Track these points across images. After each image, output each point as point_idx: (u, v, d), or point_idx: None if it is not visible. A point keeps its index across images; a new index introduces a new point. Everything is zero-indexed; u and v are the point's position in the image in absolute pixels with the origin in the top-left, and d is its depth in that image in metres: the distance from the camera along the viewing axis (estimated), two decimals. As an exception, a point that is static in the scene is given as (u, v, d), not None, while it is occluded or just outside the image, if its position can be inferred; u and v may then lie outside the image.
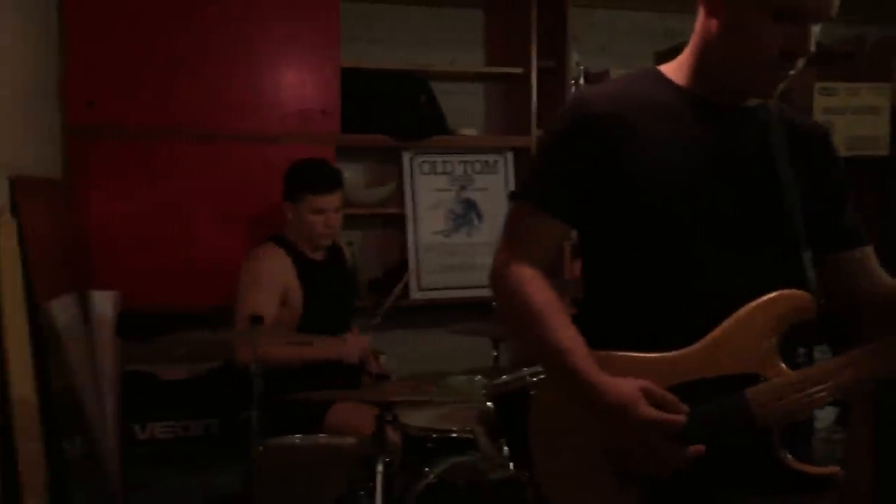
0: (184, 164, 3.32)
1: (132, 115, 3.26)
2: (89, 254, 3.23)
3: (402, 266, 3.73)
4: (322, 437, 2.50)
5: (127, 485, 3.14)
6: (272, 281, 2.85)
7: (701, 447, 1.25)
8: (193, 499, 3.21)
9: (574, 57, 3.76)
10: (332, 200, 2.95)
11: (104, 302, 3.17)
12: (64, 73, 3.16)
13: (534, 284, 1.40)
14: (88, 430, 2.91)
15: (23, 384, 2.24)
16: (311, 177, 2.97)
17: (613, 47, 3.99)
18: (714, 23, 1.36)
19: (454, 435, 2.68)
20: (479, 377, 3.44)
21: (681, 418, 1.26)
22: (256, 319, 2.20)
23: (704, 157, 1.37)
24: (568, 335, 1.35)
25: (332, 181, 2.98)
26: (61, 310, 2.79)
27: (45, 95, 2.92)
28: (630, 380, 1.29)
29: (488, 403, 2.72)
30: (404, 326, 3.77)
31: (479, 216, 3.78)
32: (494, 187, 3.81)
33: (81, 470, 2.75)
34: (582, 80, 3.83)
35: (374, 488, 2.21)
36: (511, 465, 2.50)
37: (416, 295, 3.68)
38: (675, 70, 1.45)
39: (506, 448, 2.64)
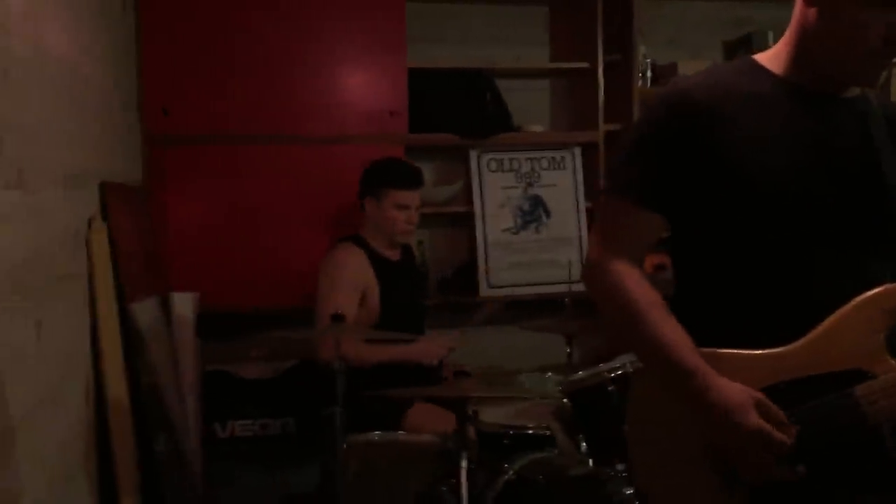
0: (257, 168, 3.40)
1: (206, 121, 3.35)
2: (169, 257, 3.32)
3: (471, 265, 3.74)
4: (402, 434, 2.53)
5: (209, 482, 3.23)
6: (352, 280, 2.89)
7: (803, 469, 1.24)
8: (272, 496, 3.29)
9: (641, 50, 3.73)
10: (415, 197, 2.99)
11: (184, 303, 3.26)
12: (141, 84, 3.25)
13: (632, 280, 1.40)
14: (172, 429, 2.99)
15: (117, 385, 2.31)
16: (396, 172, 3.02)
17: (681, 39, 3.94)
18: (812, 12, 1.33)
19: (530, 431, 2.70)
20: (551, 374, 3.45)
21: (787, 440, 1.25)
22: (338, 318, 2.24)
23: (805, 148, 1.35)
24: (672, 330, 1.35)
25: (416, 178, 3.03)
26: (144, 311, 2.87)
27: (126, 106, 3.02)
28: (743, 387, 1.28)
29: (564, 400, 2.74)
30: (476, 324, 3.79)
31: (547, 213, 3.78)
32: (562, 183, 3.80)
33: (168, 468, 2.82)
34: (649, 74, 3.80)
35: (455, 484, 2.23)
36: (590, 461, 2.51)
37: (485, 292, 3.70)
38: (771, 59, 1.43)
39: (583, 444, 2.66)
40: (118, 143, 2.81)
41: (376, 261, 3.00)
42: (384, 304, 2.95)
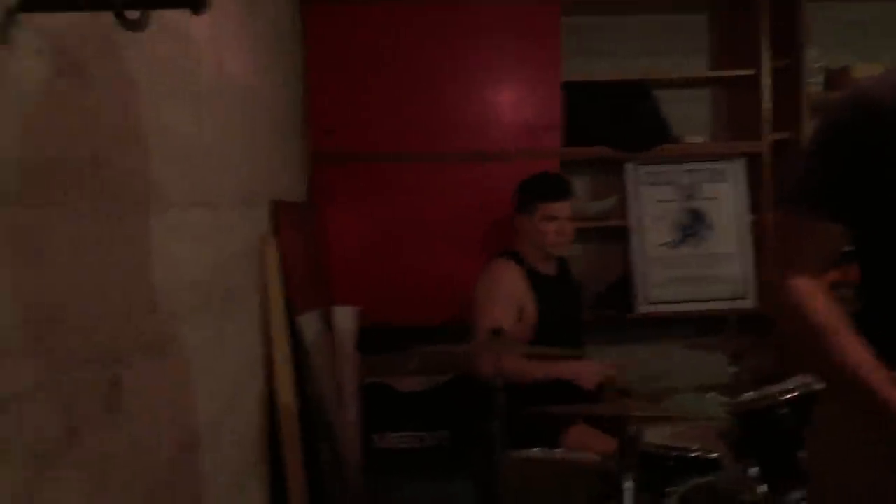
0: (415, 185, 3.47)
1: (368, 140, 3.46)
2: (331, 271, 3.44)
3: (626, 280, 3.66)
4: (561, 452, 2.49)
5: (368, 492, 3.30)
6: (509, 295, 2.89)
7: None
8: (427, 506, 3.32)
9: (811, 54, 3.54)
10: (563, 208, 2.97)
11: (346, 317, 3.37)
12: (307, 105, 3.40)
13: (816, 299, 1.32)
14: (334, 439, 3.08)
15: (287, 393, 2.41)
16: (543, 185, 3.01)
17: (855, 41, 3.70)
18: None
19: (694, 454, 2.59)
20: (713, 394, 3.31)
21: None
22: (498, 332, 2.24)
23: None
24: (859, 351, 1.27)
25: (563, 189, 3.01)
26: (309, 323, 2.98)
27: (294, 127, 3.17)
28: None
29: (730, 422, 2.61)
30: (630, 341, 3.70)
31: (709, 226, 3.64)
32: (724, 196, 3.65)
33: (331, 476, 2.91)
34: (821, 78, 3.60)
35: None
36: (762, 486, 2.38)
37: (642, 308, 3.60)
38: None
39: (753, 469, 2.53)
40: (287, 162, 2.95)
41: (533, 275, 2.99)
42: (541, 318, 2.93)
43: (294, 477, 2.36)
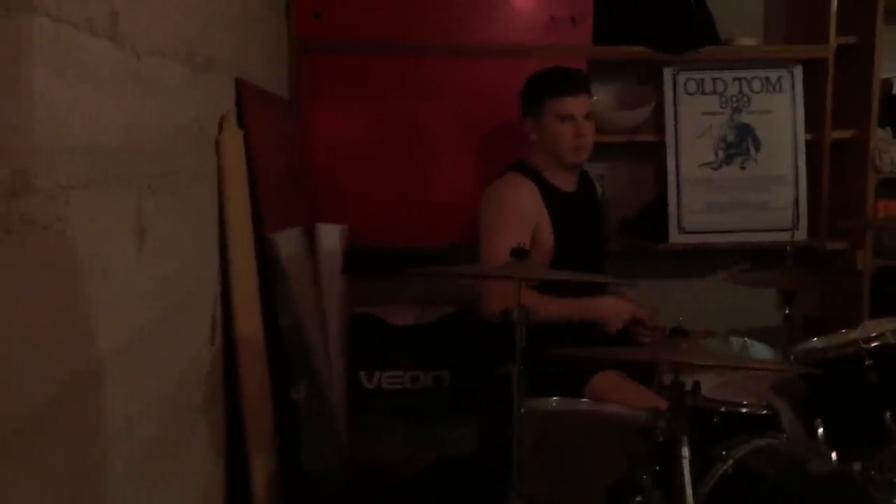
0: (418, 83, 2.95)
1: (363, 27, 2.91)
2: (315, 182, 2.94)
3: (660, 203, 3.16)
4: (592, 404, 2.02)
5: (351, 437, 2.88)
6: (522, 216, 2.40)
7: None
8: (422, 456, 2.91)
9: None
10: (578, 104, 2.45)
11: (331, 236, 2.89)
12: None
13: None
14: (314, 375, 2.64)
15: (248, 322, 1.94)
16: (551, 79, 2.51)
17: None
18: None
19: (745, 410, 2.12)
20: (746, 340, 2.87)
21: None
22: (521, 252, 1.73)
23: None
24: None
25: (577, 81, 2.50)
26: (286, 241, 2.50)
27: (274, 11, 2.63)
28: None
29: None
30: (661, 275, 3.21)
31: (757, 145, 3.12)
32: (778, 109, 3.12)
33: (308, 420, 2.48)
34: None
35: (662, 474, 1.72)
36: (833, 454, 1.90)
37: (676, 238, 3.11)
38: None
39: (820, 430, 2.07)
40: (261, 41, 2.41)
41: (548, 192, 2.49)
42: (558, 243, 2.44)
43: (256, 421, 1.90)
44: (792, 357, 2.12)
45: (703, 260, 3.21)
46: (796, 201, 3.09)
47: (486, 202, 2.49)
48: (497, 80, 2.93)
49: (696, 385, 1.68)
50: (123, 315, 1.19)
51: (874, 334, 1.98)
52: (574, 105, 2.45)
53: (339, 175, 2.97)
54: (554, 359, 1.95)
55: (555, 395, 2.06)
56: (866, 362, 1.92)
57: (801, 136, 3.12)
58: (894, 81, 3.05)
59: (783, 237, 3.09)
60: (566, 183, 2.55)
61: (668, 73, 3.10)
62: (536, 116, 2.48)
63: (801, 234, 3.11)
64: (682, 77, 3.11)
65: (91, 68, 1.05)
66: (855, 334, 2.09)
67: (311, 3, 2.89)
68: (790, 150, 3.11)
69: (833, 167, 3.11)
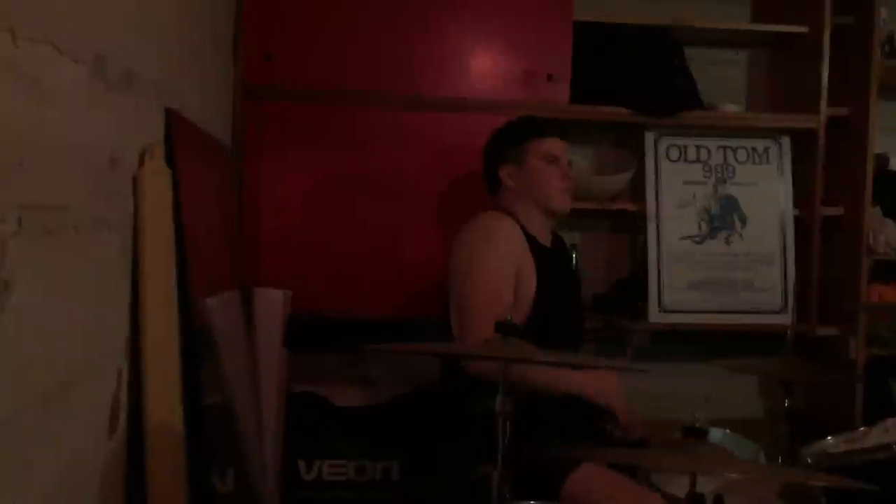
0: (378, 135, 2.66)
1: (320, 73, 2.62)
2: (256, 239, 2.59)
3: (636, 279, 2.88)
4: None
5: (285, 536, 2.48)
6: (509, 248, 2.07)
7: None
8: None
9: (881, 12, 2.83)
10: (563, 147, 2.21)
11: (271, 302, 2.53)
12: (241, 22, 2.56)
13: None
14: (243, 462, 2.26)
15: (164, 399, 1.57)
16: (534, 121, 2.25)
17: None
18: None
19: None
20: (727, 432, 2.58)
21: None
22: (509, 328, 1.39)
23: None
24: None
25: (559, 126, 2.26)
26: (219, 306, 2.15)
27: (218, 49, 2.33)
28: None
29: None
30: (639, 358, 2.91)
31: (743, 219, 2.88)
32: (765, 181, 2.90)
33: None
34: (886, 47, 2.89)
35: None
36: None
37: (655, 318, 2.82)
38: None
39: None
40: (200, 75, 2.09)
41: (529, 238, 2.18)
42: (540, 295, 2.09)
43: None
44: (809, 460, 1.81)
45: (685, 343, 2.93)
46: (784, 282, 2.85)
47: (464, 235, 2.14)
48: (464, 136, 2.65)
49: (719, 499, 1.35)
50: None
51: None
52: (559, 146, 2.19)
53: (283, 234, 2.63)
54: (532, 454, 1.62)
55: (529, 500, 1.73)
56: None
57: (790, 212, 2.90)
58: (890, 156, 2.86)
59: (770, 320, 2.84)
60: (544, 237, 2.25)
61: (649, 137, 2.87)
62: (517, 160, 2.20)
63: (785, 318, 2.85)
64: (664, 143, 2.87)
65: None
66: (880, 435, 1.80)
67: (263, 43, 2.59)
68: (777, 226, 2.88)
69: (823, 246, 2.89)
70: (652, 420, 2.80)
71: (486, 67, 2.71)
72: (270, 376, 2.54)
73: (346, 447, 2.62)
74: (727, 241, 2.86)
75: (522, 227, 2.16)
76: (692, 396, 2.88)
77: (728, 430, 2.60)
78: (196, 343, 1.83)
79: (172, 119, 1.74)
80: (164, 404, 1.60)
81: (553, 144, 2.19)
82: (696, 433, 1.37)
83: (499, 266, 2.03)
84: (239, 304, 2.38)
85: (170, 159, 1.72)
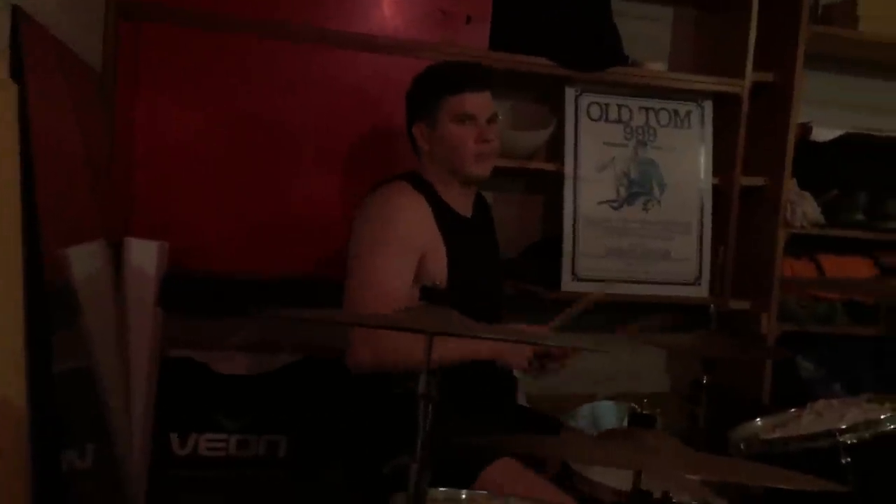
0: (277, 71, 2.36)
1: (207, -7, 2.29)
2: (128, 183, 2.27)
3: (551, 243, 2.71)
4: (486, 496, 1.49)
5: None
6: (408, 234, 1.86)
7: None
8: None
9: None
10: (480, 101, 1.96)
11: (145, 255, 2.22)
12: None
13: None
14: (105, 436, 1.99)
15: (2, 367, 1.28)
16: (447, 73, 2.00)
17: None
18: None
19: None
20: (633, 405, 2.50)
21: None
22: (435, 294, 1.16)
23: None
24: None
25: (480, 76, 2.00)
26: (81, 259, 1.84)
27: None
28: None
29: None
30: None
31: (661, 185, 2.75)
32: (685, 147, 2.77)
33: (88, 493, 1.81)
34: (819, 12, 2.81)
35: None
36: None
37: (569, 286, 2.66)
38: None
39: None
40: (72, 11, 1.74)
41: (442, 212, 1.97)
42: (452, 275, 1.90)
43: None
44: (742, 445, 1.67)
45: (599, 313, 2.78)
46: (700, 253, 2.74)
47: (362, 216, 1.93)
48: (374, 80, 2.40)
49: (665, 495, 1.18)
50: None
51: (845, 426, 1.57)
52: (475, 103, 1.94)
53: (161, 178, 2.31)
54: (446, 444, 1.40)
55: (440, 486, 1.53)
56: (843, 460, 1.50)
57: (709, 180, 2.78)
58: (814, 126, 2.77)
59: (685, 292, 2.72)
60: (463, 206, 2.03)
61: (570, 92, 2.68)
62: (429, 120, 1.96)
63: (703, 291, 2.75)
64: (585, 99, 2.69)
65: None
66: (814, 420, 1.68)
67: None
68: (696, 195, 2.76)
69: (739, 217, 2.79)
70: (552, 395, 2.68)
71: (399, 2, 2.44)
72: (141, 339, 2.24)
73: (227, 419, 2.35)
74: (645, 208, 2.72)
75: (439, 196, 1.95)
76: (599, 371, 2.77)
77: (634, 404, 2.49)
78: (48, 301, 1.54)
79: (23, 24, 1.41)
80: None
81: (469, 100, 1.94)
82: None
83: (396, 257, 1.85)
84: (106, 256, 2.07)
85: (17, 72, 1.40)
